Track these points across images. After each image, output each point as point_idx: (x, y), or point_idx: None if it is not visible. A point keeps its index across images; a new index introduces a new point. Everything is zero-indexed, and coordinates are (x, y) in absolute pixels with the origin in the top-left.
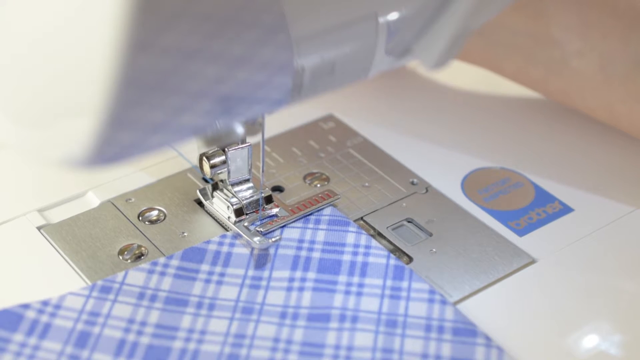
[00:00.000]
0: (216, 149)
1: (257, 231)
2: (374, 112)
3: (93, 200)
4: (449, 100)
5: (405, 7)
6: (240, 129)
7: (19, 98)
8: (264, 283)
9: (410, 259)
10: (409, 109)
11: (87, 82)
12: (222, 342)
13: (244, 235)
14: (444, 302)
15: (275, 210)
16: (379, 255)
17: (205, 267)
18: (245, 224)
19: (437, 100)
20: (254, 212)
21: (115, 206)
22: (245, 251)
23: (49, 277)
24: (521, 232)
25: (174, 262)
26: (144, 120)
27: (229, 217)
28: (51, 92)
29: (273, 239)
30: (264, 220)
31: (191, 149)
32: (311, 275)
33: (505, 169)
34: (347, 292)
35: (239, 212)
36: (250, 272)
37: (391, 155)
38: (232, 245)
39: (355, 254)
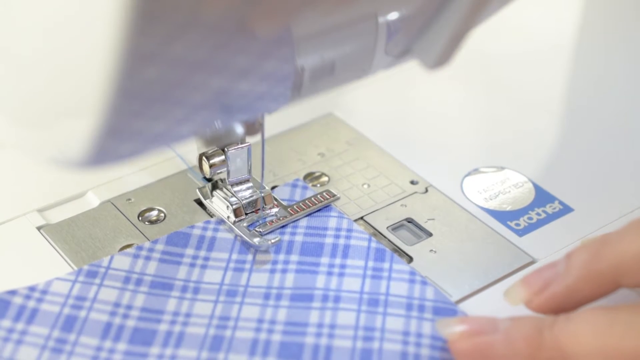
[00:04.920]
0: (216, 148)
1: (257, 232)
2: (374, 111)
3: (93, 200)
4: (448, 99)
5: (405, 7)
6: (240, 129)
7: (18, 98)
8: (247, 266)
9: (410, 259)
10: (409, 108)
11: (88, 82)
12: (206, 324)
13: (243, 235)
14: (424, 282)
15: (274, 211)
16: (360, 239)
17: (189, 251)
18: (245, 224)
19: (437, 99)
20: (253, 212)
21: (115, 206)
22: (229, 236)
23: (48, 278)
24: (521, 232)
25: (159, 247)
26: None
27: (228, 217)
28: (51, 93)
29: (272, 240)
30: (263, 221)
31: (190, 150)
32: (294, 257)
33: (505, 168)
34: (330, 274)
35: (238, 212)
36: (234, 256)
37: (391, 155)
38: (216, 230)
39: (337, 237)
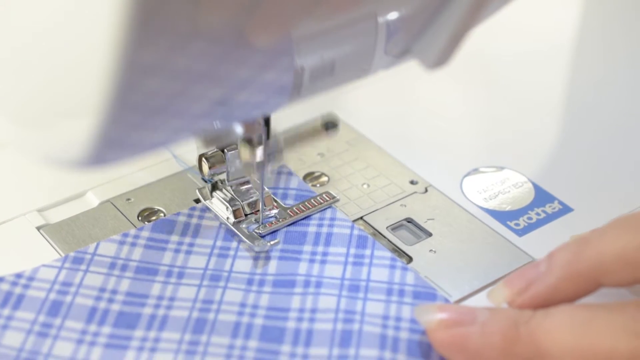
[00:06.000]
0: (215, 149)
1: (256, 233)
2: (374, 111)
3: (93, 200)
4: (448, 99)
5: (405, 7)
6: (239, 130)
7: (18, 98)
8: (231, 253)
9: (410, 259)
10: (409, 108)
11: (87, 83)
12: (190, 308)
13: (242, 237)
14: (405, 268)
15: (274, 212)
16: (343, 226)
17: (174, 237)
18: (244, 225)
19: (437, 99)
20: (252, 213)
21: (114, 206)
22: (214, 223)
23: None
24: (521, 232)
25: (145, 234)
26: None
27: (227, 218)
28: (51, 93)
29: (272, 242)
30: (263, 222)
31: (189, 150)
32: (277, 245)
33: (505, 168)
34: (312, 261)
35: (237, 214)
36: (219, 243)
37: (391, 155)
38: (201, 217)
39: (320, 225)
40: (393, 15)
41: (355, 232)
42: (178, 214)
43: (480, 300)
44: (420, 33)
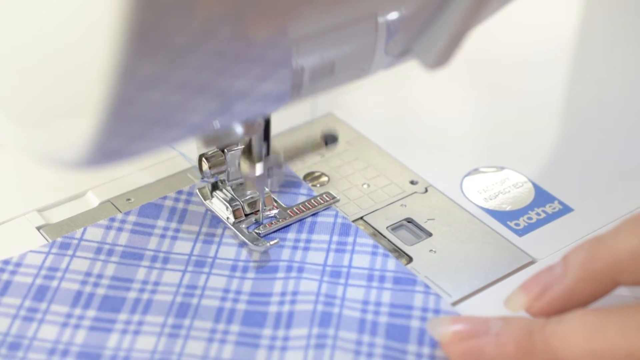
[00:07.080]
0: (215, 150)
1: (256, 233)
2: (374, 111)
3: (93, 201)
4: (448, 100)
5: (405, 7)
6: (239, 130)
7: (18, 97)
8: (216, 239)
9: (410, 259)
10: (409, 108)
11: (87, 83)
12: (174, 292)
13: (242, 237)
14: (386, 255)
15: (274, 212)
16: (327, 215)
17: (161, 222)
18: (244, 225)
19: (437, 99)
20: (252, 213)
21: (115, 206)
22: (201, 209)
23: None
24: (521, 232)
25: (131, 218)
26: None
27: (227, 218)
28: (51, 93)
29: (272, 242)
30: (262, 222)
31: (191, 149)
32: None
33: (505, 168)
34: (295, 248)
35: (237, 214)
36: (204, 229)
37: (391, 155)
38: (187, 202)
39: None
40: (393, 15)
41: (339, 220)
42: (165, 197)
43: (480, 300)
44: (420, 33)
